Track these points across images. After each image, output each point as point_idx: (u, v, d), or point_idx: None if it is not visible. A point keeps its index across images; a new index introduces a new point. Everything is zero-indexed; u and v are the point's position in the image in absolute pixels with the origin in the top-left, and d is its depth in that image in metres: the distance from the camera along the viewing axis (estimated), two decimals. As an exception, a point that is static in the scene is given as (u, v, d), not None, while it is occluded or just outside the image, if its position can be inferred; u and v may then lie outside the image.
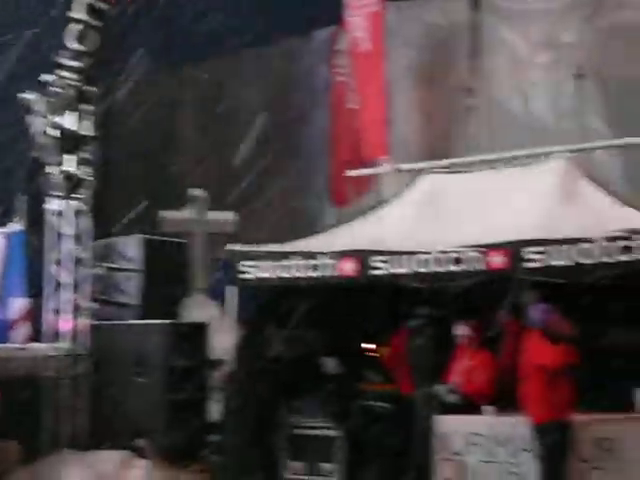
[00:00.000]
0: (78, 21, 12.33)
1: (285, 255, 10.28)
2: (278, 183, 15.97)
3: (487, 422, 9.23)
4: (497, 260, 9.12)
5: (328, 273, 9.99)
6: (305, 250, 10.23)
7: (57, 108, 12.19)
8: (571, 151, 11.36)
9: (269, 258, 10.36)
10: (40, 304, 12.27)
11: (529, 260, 9.00)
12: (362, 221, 10.96)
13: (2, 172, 13.80)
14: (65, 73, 12.27)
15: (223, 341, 10.76)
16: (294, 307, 10.77)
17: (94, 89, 12.59)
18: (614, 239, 8.66)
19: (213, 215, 14.14)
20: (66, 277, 12.11)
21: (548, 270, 9.00)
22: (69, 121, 12.30)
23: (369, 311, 11.14)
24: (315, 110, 16.29)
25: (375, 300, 11.00)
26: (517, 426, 8.91)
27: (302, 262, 10.12)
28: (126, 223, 14.36)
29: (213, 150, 16.46)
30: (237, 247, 10.71)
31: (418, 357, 10.40)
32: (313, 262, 10.06)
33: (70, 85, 12.30)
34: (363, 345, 11.58)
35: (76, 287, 12.11)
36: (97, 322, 12.05)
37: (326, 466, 10.07)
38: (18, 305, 12.38)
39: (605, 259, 8.70)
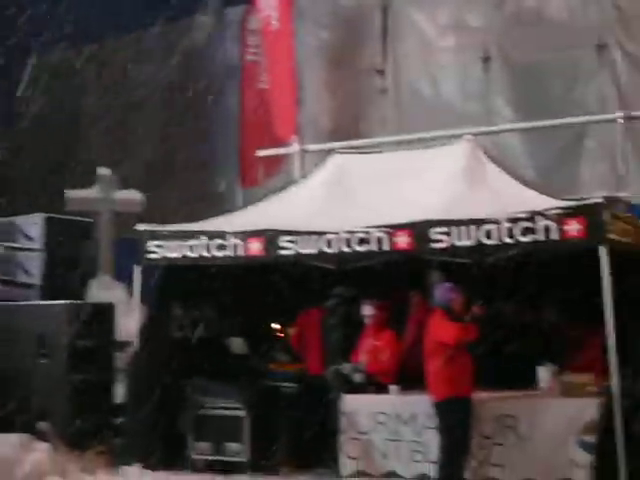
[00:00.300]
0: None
1: (192, 235, 10.19)
2: (187, 163, 15.86)
3: (392, 401, 9.33)
4: (403, 240, 9.20)
5: (235, 253, 9.93)
6: (212, 230, 10.14)
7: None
8: (477, 133, 11.52)
9: (176, 238, 10.26)
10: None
11: (434, 240, 9.10)
12: (271, 201, 10.91)
13: None
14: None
15: (129, 322, 10.61)
16: (201, 287, 10.71)
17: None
18: (516, 220, 8.80)
19: (120, 194, 13.93)
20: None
21: (453, 250, 9.13)
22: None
23: (277, 291, 11.14)
24: (226, 90, 16.18)
25: (283, 280, 11.01)
26: (421, 404, 9.00)
27: (209, 242, 10.04)
28: (32, 202, 14.07)
29: (120, 130, 16.21)
30: (144, 227, 10.56)
31: (331, 337, 10.46)
32: (220, 242, 9.99)
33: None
34: (271, 325, 11.59)
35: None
36: (-1, 302, 11.78)
37: (233, 446, 10.04)
38: None
39: (508, 240, 8.83)
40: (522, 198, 9.30)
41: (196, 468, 10.12)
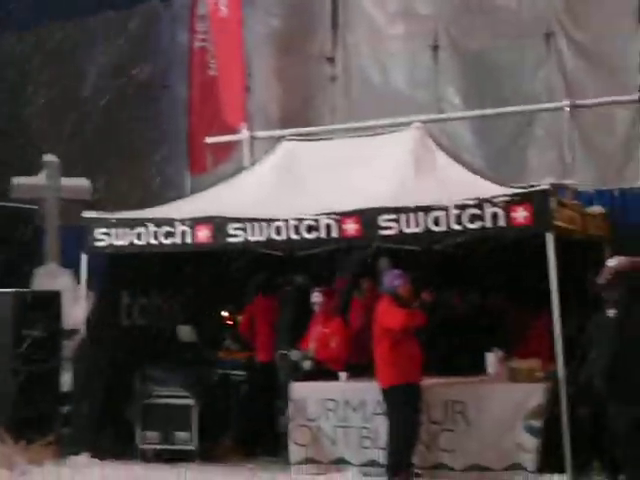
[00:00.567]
0: None
1: (139, 222, 10.09)
2: (135, 150, 15.69)
3: (341, 388, 9.34)
4: (351, 227, 9.21)
5: (184, 240, 9.86)
6: (160, 217, 10.05)
7: None
8: (427, 121, 11.54)
9: (123, 225, 10.15)
10: None
11: (383, 227, 9.12)
12: (220, 188, 10.84)
13: None
14: None
15: (76, 310, 10.49)
16: (149, 275, 10.62)
17: None
18: (464, 207, 8.84)
19: (66, 182, 13.74)
20: None
21: (401, 237, 9.15)
22: None
23: (226, 279, 11.10)
24: (174, 76, 16.03)
25: (232, 267, 10.97)
26: (370, 391, 9.03)
27: (157, 229, 9.95)
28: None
29: (67, 116, 15.97)
30: (91, 214, 10.44)
31: (280, 324, 10.44)
32: (168, 229, 9.91)
33: None
34: (220, 313, 11.54)
35: None
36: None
37: (182, 435, 9.99)
38: None
39: (455, 227, 8.87)
40: (470, 185, 9.33)
41: (145, 457, 10.04)
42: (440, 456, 8.87)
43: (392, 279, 9.04)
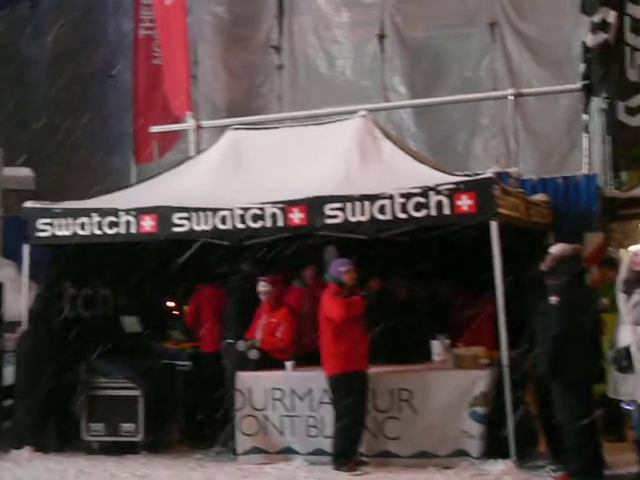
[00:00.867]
0: None
1: (83, 212, 9.96)
2: (80, 139, 15.49)
3: (288, 377, 9.32)
4: (297, 216, 9.17)
5: (128, 230, 9.75)
6: (104, 207, 9.93)
7: None
8: (372, 109, 11.58)
9: (67, 215, 10.01)
10: None
11: (329, 216, 9.10)
12: (165, 177, 10.74)
13: None
14: None
15: (18, 302, 10.32)
16: (94, 265, 10.50)
17: None
18: (409, 196, 8.86)
19: (8, 171, 13.50)
20: None
21: (347, 226, 9.15)
22: None
23: (172, 268, 11.01)
24: (120, 65, 15.86)
25: (178, 257, 10.89)
26: (317, 380, 9.03)
27: (101, 219, 9.83)
28: None
29: (9, 105, 15.71)
30: (33, 204, 10.28)
31: (227, 314, 10.38)
32: (112, 219, 9.79)
33: None
34: (166, 303, 11.46)
35: None
36: None
37: (127, 426, 9.89)
38: None
39: (401, 215, 8.89)
40: (415, 174, 9.36)
41: (90, 450, 9.93)
42: (386, 444, 8.90)
43: (337, 267, 9.05)
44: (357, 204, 9.01)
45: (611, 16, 11.80)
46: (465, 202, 8.73)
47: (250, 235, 9.73)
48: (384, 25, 14.42)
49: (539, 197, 10.61)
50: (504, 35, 13.88)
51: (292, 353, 9.63)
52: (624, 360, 7.70)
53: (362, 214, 9.00)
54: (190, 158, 11.40)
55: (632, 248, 9.04)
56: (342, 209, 9.05)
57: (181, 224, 9.55)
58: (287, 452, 9.18)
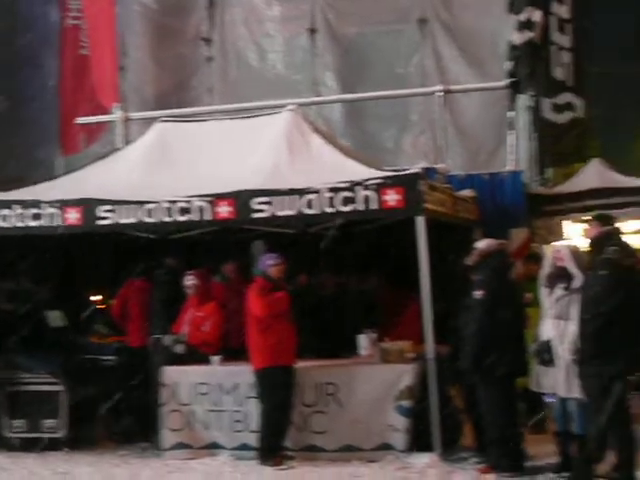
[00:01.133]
0: None
1: (5, 204, 9.76)
2: (6, 129, 15.19)
3: (214, 371, 9.27)
4: (225, 210, 9.11)
5: (52, 223, 9.58)
6: (27, 199, 9.74)
7: None
8: (303, 104, 11.57)
9: (-13, 207, 9.80)
10: None
11: (256, 210, 9.06)
12: (91, 169, 10.59)
13: None
14: None
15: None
16: (17, 258, 10.29)
17: None
18: (337, 190, 8.87)
19: None
20: None
21: (275, 220, 9.13)
22: None
23: (97, 262, 10.86)
24: (46, 55, 15.59)
25: (104, 250, 10.74)
26: (244, 374, 9.00)
27: (24, 211, 9.64)
28: None
29: None
30: (-47, 196, 10.04)
31: (153, 308, 10.28)
32: (36, 211, 9.61)
33: None
34: (91, 297, 11.30)
35: None
36: None
37: (50, 422, 9.73)
38: None
39: (328, 210, 8.89)
40: (343, 168, 9.37)
41: (11, 447, 9.74)
42: (312, 438, 8.91)
43: (265, 261, 9.05)
44: (285, 198, 8.98)
45: (537, 15, 11.99)
46: (392, 197, 8.76)
47: (177, 228, 9.64)
48: (315, 20, 14.42)
49: (466, 193, 10.71)
50: (434, 32, 13.99)
51: (219, 347, 9.57)
52: (546, 353, 7.81)
53: (290, 208, 8.97)
54: (117, 150, 11.25)
55: (555, 244, 9.16)
56: (270, 203, 9.02)
57: (106, 217, 9.41)
58: (213, 447, 9.13)
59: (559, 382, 7.77)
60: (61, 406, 9.69)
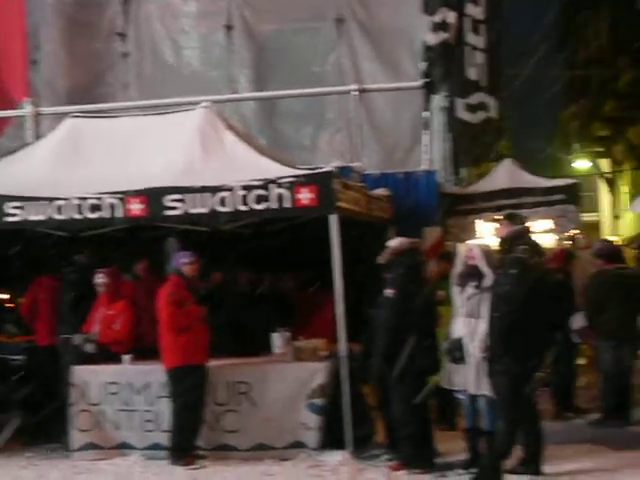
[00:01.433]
0: None
1: None
2: None
3: (124, 370, 9.15)
4: (136, 207, 8.99)
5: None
6: None
7: None
8: (218, 101, 11.47)
9: None
10: None
11: (169, 208, 8.96)
12: (0, 165, 10.34)
13: None
14: None
15: None
16: None
17: None
18: (250, 188, 8.82)
19: None
20: None
21: (188, 218, 9.04)
22: None
23: (6, 259, 10.61)
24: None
25: (12, 247, 10.50)
26: (155, 373, 8.91)
27: None
28: None
29: None
30: None
31: (66, 307, 10.09)
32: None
33: None
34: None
35: None
36: None
37: (-46, 425, 9.49)
38: None
39: (242, 208, 8.84)
40: (257, 166, 9.32)
41: None
42: (224, 437, 8.86)
43: (179, 259, 8.97)
44: (197, 196, 8.90)
45: (451, 17, 12.12)
46: (306, 195, 8.75)
47: (88, 226, 9.47)
48: (232, 16, 14.31)
49: (380, 192, 10.78)
50: (350, 31, 14.00)
51: (130, 346, 9.45)
52: (457, 351, 7.90)
53: (203, 206, 8.90)
54: (27, 145, 11.01)
55: (468, 243, 9.27)
56: (182, 200, 8.92)
57: (14, 213, 9.19)
58: (123, 447, 9.02)
59: (469, 379, 7.86)
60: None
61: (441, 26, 12.06)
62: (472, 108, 12.59)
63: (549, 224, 12.40)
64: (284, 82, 13.50)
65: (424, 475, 8.01)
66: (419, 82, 12.28)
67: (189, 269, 8.87)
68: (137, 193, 9.02)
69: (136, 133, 10.13)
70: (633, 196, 22.59)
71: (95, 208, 9.06)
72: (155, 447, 8.89)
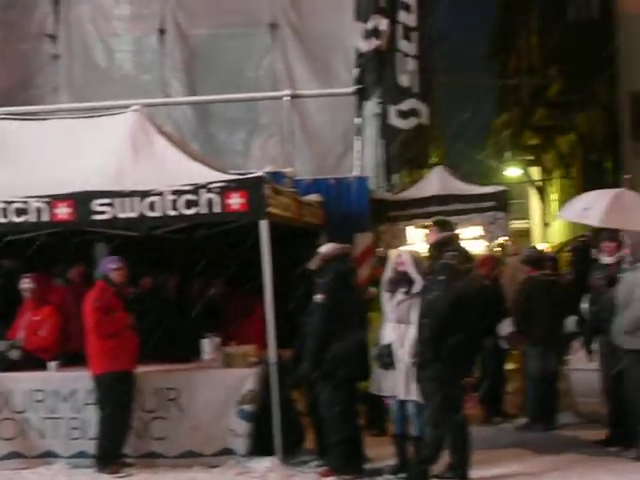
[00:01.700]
0: None
1: None
2: None
3: (50, 377, 8.99)
4: (63, 212, 8.84)
5: None
6: None
7: None
8: (150, 104, 11.38)
9: None
10: None
11: (97, 212, 8.83)
12: None
13: None
14: None
15: None
16: None
17: None
18: (180, 193, 8.74)
19: None
20: None
21: (116, 222, 8.92)
22: None
23: None
24: None
25: None
26: (82, 380, 8.76)
27: None
28: None
29: None
30: None
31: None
32: None
33: None
34: None
35: None
36: None
37: None
38: None
39: (171, 212, 8.75)
40: (188, 171, 9.22)
41: None
42: (152, 444, 8.74)
43: (107, 264, 8.85)
44: (126, 200, 8.78)
45: (383, 24, 12.19)
46: (236, 200, 8.69)
47: (13, 230, 9.28)
48: (165, 20, 14.23)
49: (312, 197, 10.77)
50: (284, 37, 14.03)
51: (57, 352, 9.29)
52: (386, 357, 7.93)
53: (132, 210, 8.79)
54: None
55: (398, 249, 9.32)
56: (111, 205, 8.80)
57: (-62, 217, 8.97)
58: (48, 456, 8.85)
59: (398, 385, 7.90)
60: None
61: (373, 33, 12.13)
62: (404, 114, 12.67)
63: (479, 231, 12.54)
64: (217, 87, 13.46)
65: (353, 481, 8.02)
66: (352, 88, 12.33)
67: (116, 275, 8.75)
68: (64, 197, 8.86)
69: (65, 136, 9.96)
70: (562, 203, 22.97)
71: (21, 212, 8.88)
72: (81, 455, 8.75)
